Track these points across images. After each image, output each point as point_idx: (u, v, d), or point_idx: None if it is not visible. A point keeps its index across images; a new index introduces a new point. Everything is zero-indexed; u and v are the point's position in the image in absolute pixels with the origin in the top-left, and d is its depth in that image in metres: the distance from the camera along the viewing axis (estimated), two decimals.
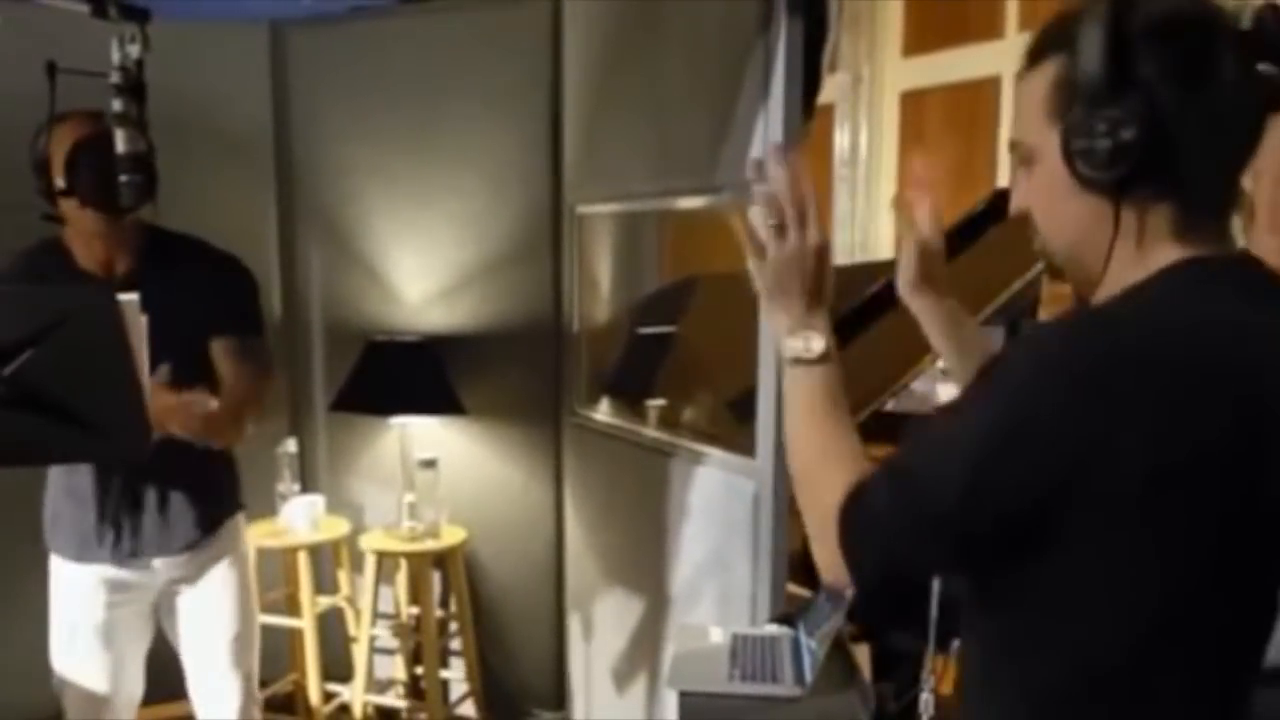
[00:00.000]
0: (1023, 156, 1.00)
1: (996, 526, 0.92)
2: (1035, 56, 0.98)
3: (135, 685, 2.23)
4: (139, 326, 1.61)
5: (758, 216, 1.13)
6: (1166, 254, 0.94)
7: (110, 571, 2.15)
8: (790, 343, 1.10)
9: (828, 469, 1.04)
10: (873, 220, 6.28)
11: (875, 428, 2.33)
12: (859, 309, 3.21)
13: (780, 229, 1.10)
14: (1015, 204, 1.03)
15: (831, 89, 6.21)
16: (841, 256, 6.33)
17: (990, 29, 5.39)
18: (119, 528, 2.12)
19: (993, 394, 0.92)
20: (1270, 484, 0.88)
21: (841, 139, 6.33)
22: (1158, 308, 0.92)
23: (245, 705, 2.30)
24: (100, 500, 2.11)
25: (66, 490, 2.13)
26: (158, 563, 2.18)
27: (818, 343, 1.09)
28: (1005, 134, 4.85)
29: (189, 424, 1.95)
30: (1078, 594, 0.91)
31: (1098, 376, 0.86)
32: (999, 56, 5.36)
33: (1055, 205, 0.98)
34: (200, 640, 2.26)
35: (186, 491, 2.16)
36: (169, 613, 2.26)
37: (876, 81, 6.23)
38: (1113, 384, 0.86)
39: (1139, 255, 0.94)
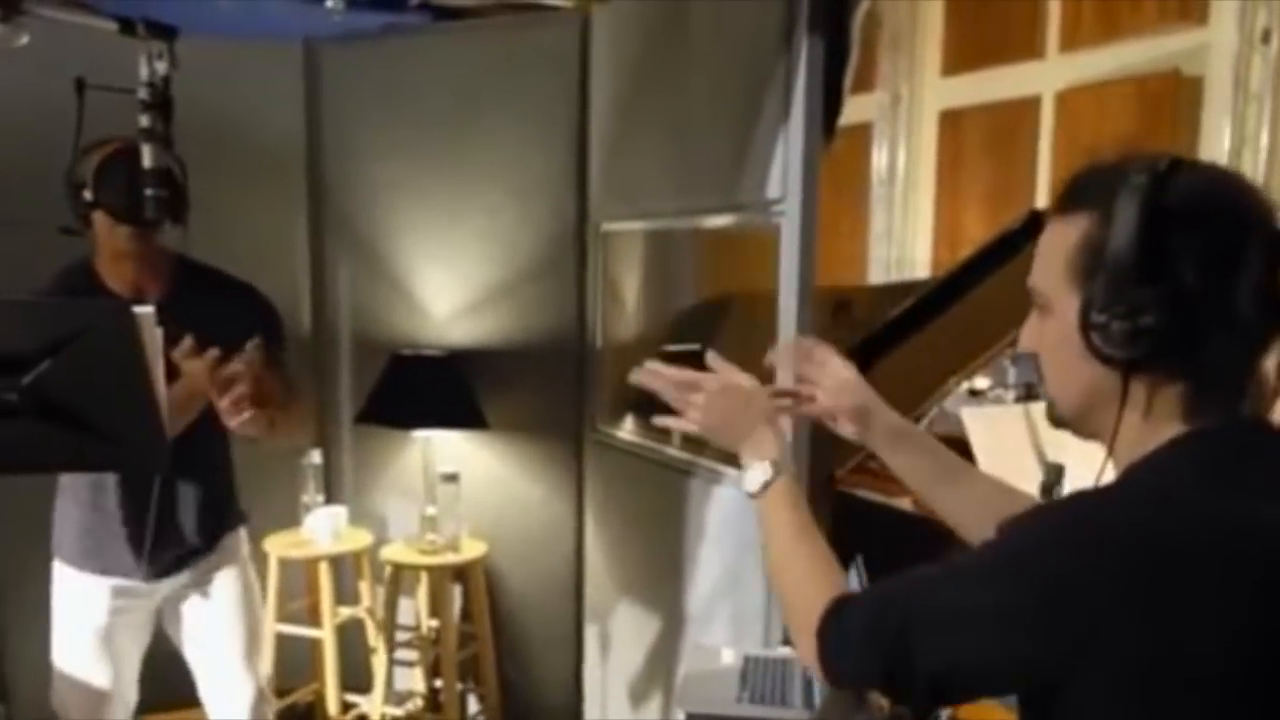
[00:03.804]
0: (1038, 304, 0.99)
1: (988, 686, 0.94)
2: (1067, 205, 0.96)
3: (131, 689, 2.25)
4: (154, 339, 1.63)
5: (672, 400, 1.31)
6: (1173, 429, 0.92)
7: (117, 580, 2.17)
8: (743, 480, 1.23)
9: (801, 581, 1.10)
10: (910, 238, 6.25)
11: None
12: (892, 325, 3.20)
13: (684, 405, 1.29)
14: (1024, 345, 1.02)
15: (870, 107, 6.19)
16: (878, 274, 6.30)
17: (1030, 49, 5.34)
18: (133, 544, 2.13)
19: (1002, 566, 0.91)
20: None
21: (879, 157, 6.31)
22: (1168, 486, 0.90)
23: (257, 706, 2.32)
24: (115, 517, 2.12)
25: (80, 504, 2.15)
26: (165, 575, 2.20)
27: (760, 475, 1.20)
28: (1045, 154, 4.82)
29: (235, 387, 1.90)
30: None
31: (1109, 558, 0.85)
32: (1039, 76, 5.32)
33: (1064, 364, 0.97)
34: (208, 646, 2.28)
35: (194, 506, 2.18)
36: (174, 619, 2.28)
37: (915, 100, 6.21)
38: (1125, 566, 0.84)
39: (1146, 427, 0.93)
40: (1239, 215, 0.90)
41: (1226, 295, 0.88)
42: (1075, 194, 0.96)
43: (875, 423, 1.33)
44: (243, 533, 2.35)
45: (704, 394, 1.28)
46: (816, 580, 1.08)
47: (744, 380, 1.29)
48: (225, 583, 2.28)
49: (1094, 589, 0.84)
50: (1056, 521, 0.91)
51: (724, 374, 1.30)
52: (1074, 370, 0.95)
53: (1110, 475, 0.96)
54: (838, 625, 1.01)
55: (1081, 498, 0.91)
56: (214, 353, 1.89)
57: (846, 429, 1.35)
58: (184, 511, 2.18)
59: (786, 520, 1.16)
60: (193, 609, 2.27)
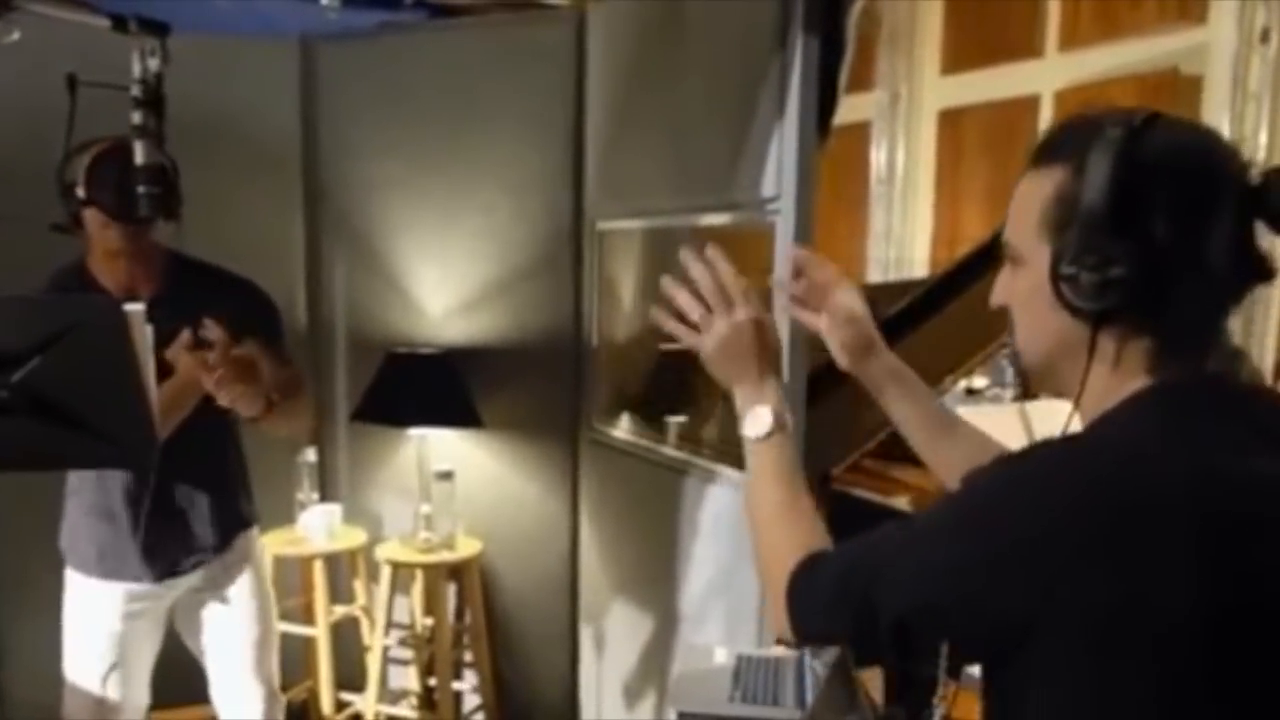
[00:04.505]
0: (1011, 256, 0.99)
1: (947, 639, 0.93)
2: (1043, 157, 0.96)
3: (142, 693, 2.25)
4: (144, 336, 1.63)
5: (689, 306, 1.21)
6: (1138, 382, 0.93)
7: (130, 584, 2.17)
8: (743, 421, 1.18)
9: (779, 537, 1.09)
10: (909, 237, 6.24)
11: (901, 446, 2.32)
12: (889, 324, 3.20)
13: (708, 315, 1.20)
14: (995, 299, 1.03)
15: (868, 107, 6.18)
16: (877, 274, 6.30)
17: (1030, 47, 5.34)
18: (144, 546, 2.13)
19: (965, 518, 0.91)
20: (1252, 589, 0.84)
21: (878, 156, 6.30)
22: (1130, 440, 0.90)
23: (269, 707, 2.34)
24: (126, 519, 2.11)
25: (90, 508, 2.14)
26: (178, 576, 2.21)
27: (764, 423, 1.16)
28: None
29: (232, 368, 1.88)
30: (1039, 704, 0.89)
31: (1071, 513, 0.84)
32: (1038, 75, 5.31)
33: (1034, 316, 0.97)
34: (224, 647, 2.28)
35: (205, 506, 2.18)
36: (189, 621, 2.28)
37: (914, 99, 6.20)
38: (1088, 520, 0.84)
39: (1113, 380, 0.93)
40: (1212, 170, 0.90)
41: (1197, 249, 0.88)
42: (1051, 147, 0.95)
43: (876, 359, 1.33)
44: (255, 532, 2.35)
45: (730, 320, 1.20)
46: (793, 538, 1.07)
47: (773, 327, 1.24)
48: (242, 588, 2.28)
49: (1056, 545, 0.84)
50: (1020, 475, 0.90)
51: (758, 311, 1.22)
52: (1044, 322, 0.96)
53: (1076, 426, 0.96)
54: (807, 583, 1.02)
55: (1044, 451, 0.91)
56: (216, 333, 1.88)
57: (843, 359, 1.34)
58: (194, 511, 2.18)
59: (776, 474, 1.15)
60: (210, 615, 2.27)
